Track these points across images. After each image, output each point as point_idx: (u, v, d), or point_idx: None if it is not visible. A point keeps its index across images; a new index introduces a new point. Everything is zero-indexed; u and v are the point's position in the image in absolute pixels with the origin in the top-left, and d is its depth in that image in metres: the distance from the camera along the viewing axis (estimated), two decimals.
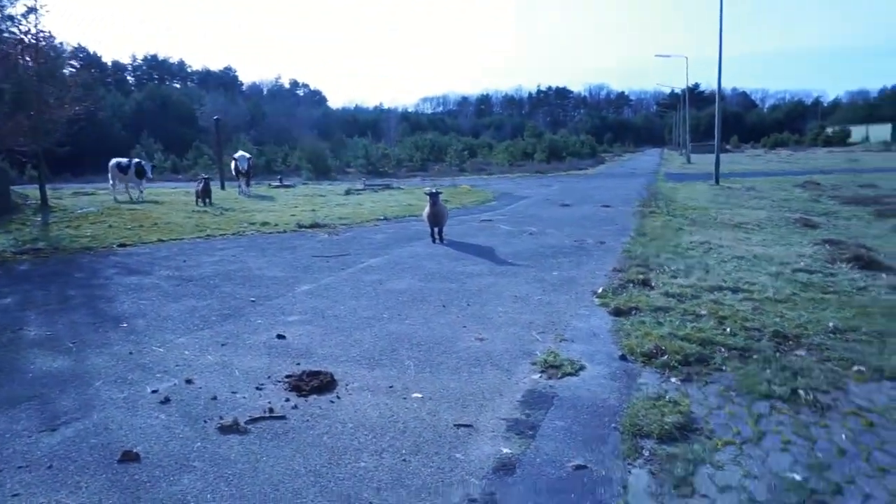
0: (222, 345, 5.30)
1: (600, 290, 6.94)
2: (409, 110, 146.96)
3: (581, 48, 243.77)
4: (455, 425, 3.77)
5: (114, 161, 18.88)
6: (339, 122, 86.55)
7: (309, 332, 5.64)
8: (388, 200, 18.62)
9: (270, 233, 12.05)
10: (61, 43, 13.33)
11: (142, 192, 18.84)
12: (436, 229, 10.56)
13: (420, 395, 4.21)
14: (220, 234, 11.79)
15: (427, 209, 10.42)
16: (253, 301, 6.75)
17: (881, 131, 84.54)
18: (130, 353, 5.14)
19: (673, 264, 8.25)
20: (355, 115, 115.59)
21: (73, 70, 14.97)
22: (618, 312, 6.08)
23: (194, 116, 63.57)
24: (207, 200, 17.21)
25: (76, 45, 15.98)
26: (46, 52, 13.56)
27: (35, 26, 13.07)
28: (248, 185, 20.60)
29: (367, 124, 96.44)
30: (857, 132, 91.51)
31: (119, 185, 18.75)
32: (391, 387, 4.37)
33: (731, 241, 10.23)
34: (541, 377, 4.52)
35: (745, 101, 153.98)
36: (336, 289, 7.30)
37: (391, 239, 11.14)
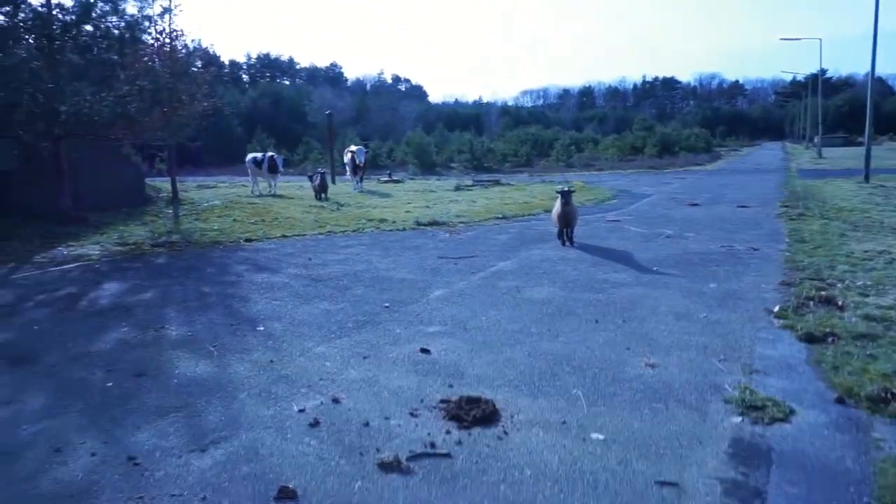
0: (364, 357, 4.91)
1: (777, 309, 5.98)
2: (509, 104, 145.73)
3: (689, 35, 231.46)
4: (657, 482, 3.10)
5: (250, 156, 19.61)
6: (441, 117, 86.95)
7: (454, 346, 5.14)
8: (500, 197, 18.04)
9: (390, 230, 11.80)
10: (193, 41, 13.72)
11: (272, 186, 19.09)
12: (566, 231, 9.83)
13: (601, 437, 3.58)
14: (341, 231, 11.68)
15: (557, 208, 9.72)
16: (387, 307, 6.37)
17: None
18: (271, 361, 4.86)
19: (855, 278, 7.09)
20: (456, 110, 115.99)
21: (201, 68, 15.39)
22: (810, 339, 5.14)
23: (303, 112, 65.96)
24: (323, 195, 17.38)
25: (198, 45, 16.38)
26: (179, 51, 14.04)
27: (169, 25, 13.56)
28: (361, 179, 20.69)
29: (468, 118, 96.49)
30: None
31: (256, 180, 19.28)
32: (564, 422, 3.76)
33: None
34: (743, 421, 3.75)
35: (880, 87, 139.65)
36: (471, 296, 6.79)
37: (515, 240, 10.53)
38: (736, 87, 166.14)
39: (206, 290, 7.24)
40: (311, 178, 18.32)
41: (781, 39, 58.25)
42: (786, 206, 14.51)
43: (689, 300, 6.46)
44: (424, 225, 12.27)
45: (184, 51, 14.40)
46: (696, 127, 72.29)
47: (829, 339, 5.11)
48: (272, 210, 15.11)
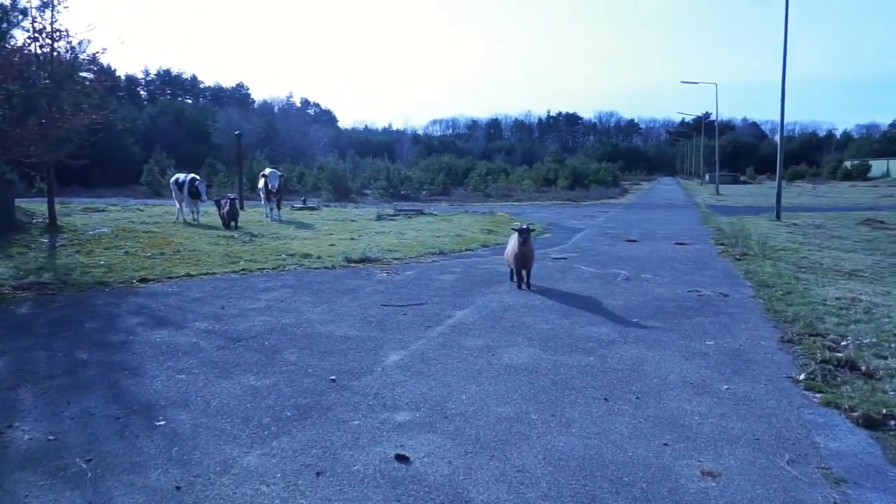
0: (317, 474, 3.44)
1: (802, 378, 5.08)
2: (419, 132, 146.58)
3: (590, 74, 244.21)
4: None
5: (173, 178, 17.35)
6: (352, 142, 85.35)
7: (439, 447, 3.78)
8: (428, 229, 16.83)
9: (317, 268, 10.22)
10: (80, 43, 11.65)
11: (195, 213, 16.75)
12: (523, 272, 8.73)
13: None
14: (259, 269, 9.96)
15: (513, 248, 8.60)
16: (334, 380, 4.90)
17: None
18: (178, 487, 3.28)
19: (858, 334, 6.40)
20: (367, 136, 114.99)
21: (91, 76, 13.18)
22: (869, 423, 4.22)
23: (207, 132, 62.29)
24: (233, 224, 15.45)
25: (90, 56, 13.93)
26: (62, 54, 11.91)
27: (51, 24, 11.44)
28: (278, 206, 18.81)
29: (379, 145, 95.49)
30: (876, 166, 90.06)
31: (180, 205, 17.10)
32: None
33: (875, 297, 8.41)
34: None
35: (756, 131, 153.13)
36: (437, 361, 5.45)
37: (464, 281, 9.30)
38: (632, 125, 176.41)
39: (83, 357, 5.42)
40: (218, 205, 16.32)
41: (682, 82, 61.34)
42: (722, 244, 14.27)
43: (694, 365, 5.45)
44: (355, 262, 10.78)
45: (68, 54, 12.25)
46: (597, 161, 74.89)
47: (892, 423, 4.21)
48: (173, 240, 13.07)
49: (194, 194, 16.18)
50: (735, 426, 4.15)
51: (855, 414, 4.35)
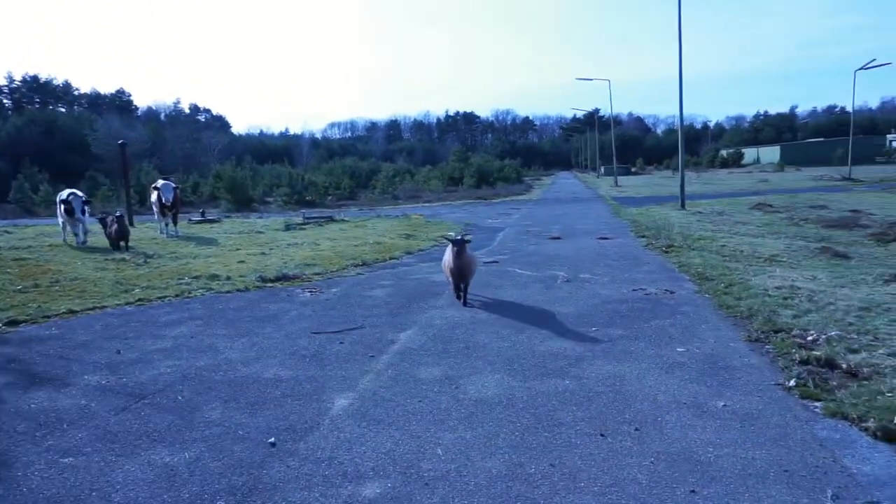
0: None
1: (793, 385, 4.70)
2: (317, 136, 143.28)
3: (487, 74, 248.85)
4: None
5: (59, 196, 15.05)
6: (248, 148, 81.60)
7: None
8: (344, 237, 15.79)
9: (228, 291, 8.99)
10: None
11: (78, 234, 14.45)
12: (461, 286, 7.98)
13: None
14: (158, 298, 8.59)
15: (448, 260, 7.82)
16: (273, 444, 3.93)
17: (770, 153, 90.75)
18: None
19: (811, 325, 6.20)
20: (263, 141, 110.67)
21: None
22: (888, 436, 3.83)
23: (86, 143, 57.11)
24: (123, 244, 13.68)
25: None
26: None
27: None
28: (174, 221, 16.98)
29: (277, 150, 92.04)
30: (748, 154, 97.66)
31: (65, 226, 14.97)
32: None
33: (808, 283, 8.44)
34: None
35: (640, 125, 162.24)
36: (394, 402, 4.60)
37: (397, 296, 8.45)
38: (527, 122, 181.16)
39: None
40: (104, 223, 14.41)
41: (578, 79, 63.10)
42: (643, 237, 14.28)
43: (677, 378, 4.94)
44: (271, 281, 9.64)
45: None
46: (496, 158, 75.77)
47: None
48: (50, 267, 11.27)
49: (70, 212, 14.19)
50: (755, 456, 3.62)
51: (868, 425, 3.96)
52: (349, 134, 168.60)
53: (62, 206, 14.36)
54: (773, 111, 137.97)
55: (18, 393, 4.97)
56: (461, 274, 7.80)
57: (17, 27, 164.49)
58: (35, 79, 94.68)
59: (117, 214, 14.06)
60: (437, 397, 4.67)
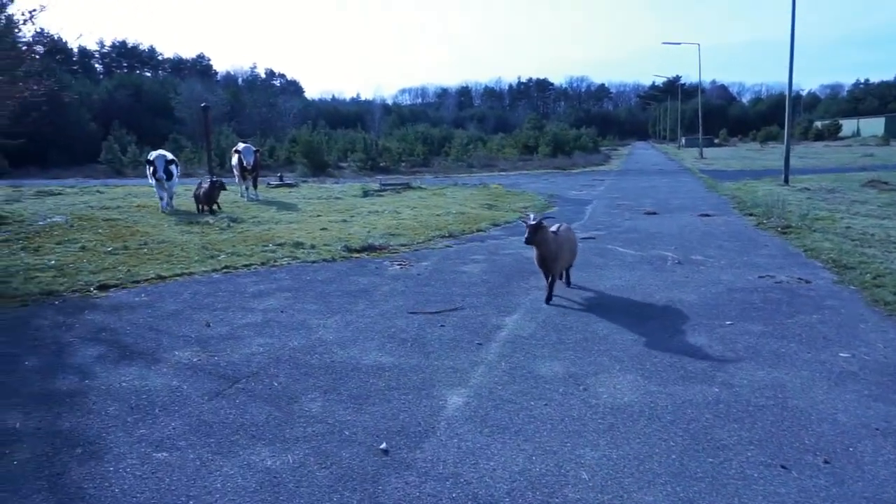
0: None
1: None
2: (388, 102, 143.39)
3: (560, 39, 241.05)
4: None
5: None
6: (321, 113, 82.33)
7: None
8: (425, 205, 15.23)
9: (314, 261, 8.60)
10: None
11: (163, 199, 14.00)
12: (548, 276, 6.49)
13: None
14: (244, 265, 8.30)
15: (534, 251, 6.37)
16: (386, 451, 3.40)
17: (872, 125, 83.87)
18: None
19: None
20: (336, 107, 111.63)
21: (28, 38, 11.03)
22: None
23: (169, 106, 58.92)
24: (207, 208, 13.64)
25: (25, 13, 11.44)
26: None
27: None
28: (255, 185, 16.93)
29: (349, 116, 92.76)
30: (846, 125, 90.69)
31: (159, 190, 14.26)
32: None
33: None
34: None
35: (724, 94, 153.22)
36: (516, 404, 3.98)
37: (494, 274, 7.81)
38: (602, 90, 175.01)
39: (15, 426, 3.79)
40: (199, 187, 14.11)
41: (664, 43, 60.19)
42: (751, 215, 13.03)
43: (852, 393, 4.09)
44: (357, 251, 9.19)
45: None
46: (570, 127, 73.04)
47: None
48: (137, 229, 11.29)
49: (154, 172, 13.66)
50: None
51: None
52: (420, 100, 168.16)
53: (149, 168, 13.92)
54: (875, 79, 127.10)
55: (109, 368, 4.66)
56: (544, 263, 6.33)
57: None
58: (123, 44, 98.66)
59: (212, 179, 13.98)
60: (565, 401, 4.02)
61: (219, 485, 3.06)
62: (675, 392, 4.14)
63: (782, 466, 3.22)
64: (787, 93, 21.70)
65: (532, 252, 6.51)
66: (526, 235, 6.06)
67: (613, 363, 4.67)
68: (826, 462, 3.26)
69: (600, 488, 3.03)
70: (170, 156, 14.24)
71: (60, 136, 41.83)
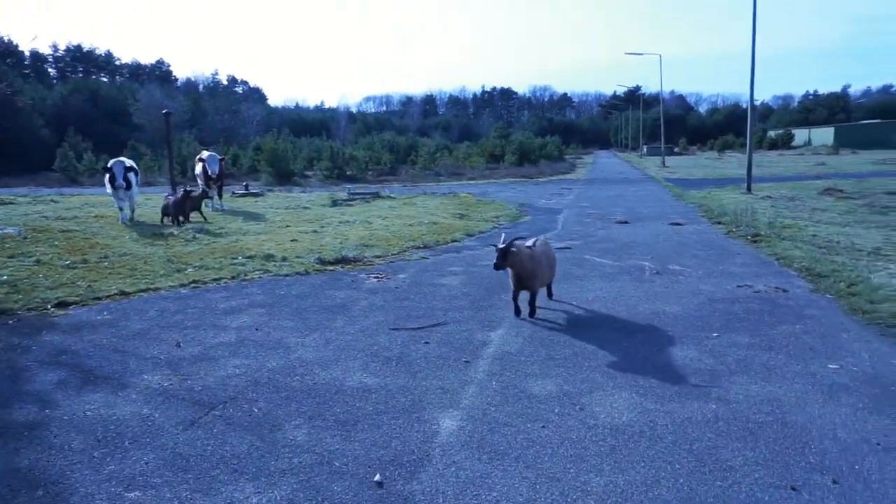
0: None
1: None
2: (353, 110, 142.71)
3: (524, 49, 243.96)
4: None
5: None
6: (285, 121, 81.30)
7: None
8: (396, 215, 15.02)
9: (286, 274, 8.30)
10: None
11: (123, 211, 13.25)
12: (526, 294, 6.23)
13: None
14: (213, 280, 7.95)
15: (510, 271, 6.06)
16: (380, 484, 3.18)
17: (822, 135, 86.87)
18: None
19: None
20: (300, 114, 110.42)
21: None
22: None
23: (127, 112, 57.29)
24: (181, 219, 13.15)
25: None
26: None
27: None
28: (219, 194, 16.43)
29: (314, 124, 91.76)
30: (798, 135, 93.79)
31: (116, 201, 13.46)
32: None
33: None
34: None
35: (682, 103, 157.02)
36: (512, 427, 3.81)
37: (473, 286, 7.65)
38: (565, 99, 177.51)
39: None
40: (186, 195, 13.46)
41: (626, 53, 61.60)
42: (719, 223, 13.22)
43: (846, 406, 4.06)
44: (331, 263, 8.93)
45: None
46: (533, 135, 73.56)
47: None
48: (96, 241, 10.78)
49: (111, 180, 12.92)
50: None
51: None
52: (384, 108, 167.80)
53: (106, 176, 13.13)
54: (823, 90, 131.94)
55: (72, 395, 4.33)
56: (521, 282, 6.07)
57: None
58: (78, 48, 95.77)
59: (187, 189, 13.52)
60: (563, 422, 3.87)
61: None
62: (673, 410, 4.03)
63: (792, 488, 3.12)
64: (748, 103, 22.23)
65: (490, 258, 6.32)
66: (495, 261, 5.75)
67: (606, 380, 4.55)
68: (835, 482, 3.17)
69: None
70: (129, 162, 13.65)
71: (11, 143, 40.27)
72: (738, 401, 4.17)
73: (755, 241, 10.76)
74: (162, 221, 13.23)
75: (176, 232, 11.85)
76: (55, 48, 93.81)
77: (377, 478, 3.22)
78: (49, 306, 6.67)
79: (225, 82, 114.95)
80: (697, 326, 5.86)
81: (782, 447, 3.54)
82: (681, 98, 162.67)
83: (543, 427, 3.80)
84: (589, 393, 4.32)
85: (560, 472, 3.29)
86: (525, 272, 5.98)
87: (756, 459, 3.41)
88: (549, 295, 6.96)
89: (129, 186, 13.28)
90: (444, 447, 3.56)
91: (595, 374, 4.65)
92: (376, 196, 20.98)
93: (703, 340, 5.44)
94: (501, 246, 5.79)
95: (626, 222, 13.80)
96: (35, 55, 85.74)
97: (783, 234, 11.58)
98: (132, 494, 3.07)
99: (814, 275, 7.95)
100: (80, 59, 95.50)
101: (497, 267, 5.78)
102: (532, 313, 6.23)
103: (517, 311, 6.27)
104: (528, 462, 3.39)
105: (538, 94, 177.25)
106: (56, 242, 10.62)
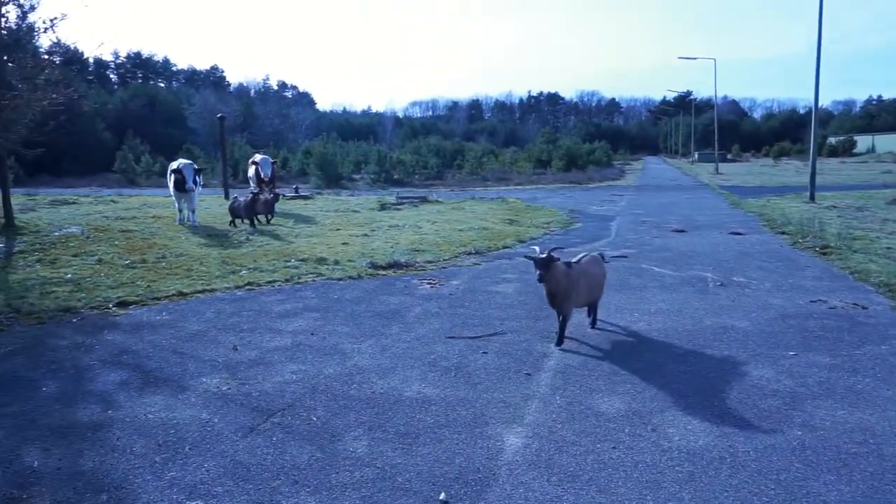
0: None
1: None
2: (399, 115, 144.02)
3: (571, 54, 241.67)
4: None
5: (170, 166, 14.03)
6: (333, 125, 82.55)
7: None
8: (445, 220, 14.91)
9: (339, 278, 8.28)
10: (31, 7, 9.41)
11: (183, 212, 13.56)
12: (559, 316, 5.59)
13: None
14: (268, 282, 7.99)
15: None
16: None
17: (887, 142, 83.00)
18: None
19: None
20: (348, 119, 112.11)
21: (47, 47, 10.85)
22: None
23: (183, 116, 59.19)
24: (259, 220, 13.37)
25: (55, 41, 11.21)
26: (9, 20, 9.70)
27: None
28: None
29: (361, 128, 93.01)
30: (861, 142, 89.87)
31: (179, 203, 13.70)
32: None
33: None
34: None
35: (736, 109, 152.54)
36: (581, 446, 3.61)
37: (529, 295, 7.44)
38: (613, 105, 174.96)
39: (33, 464, 3.46)
40: (254, 199, 13.60)
41: (679, 58, 59.54)
42: (784, 234, 12.62)
43: None
44: (383, 268, 8.87)
45: (18, 20, 10.02)
46: (581, 141, 72.30)
47: None
48: (155, 241, 11.03)
49: (180, 185, 13.14)
50: None
51: None
52: (430, 113, 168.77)
53: (172, 177, 13.37)
54: (888, 95, 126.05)
55: (133, 396, 4.33)
56: (553, 300, 5.42)
57: (121, 4, 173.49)
58: (138, 55, 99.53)
59: (259, 192, 13.85)
60: (635, 443, 3.65)
61: None
62: (754, 435, 3.76)
63: None
64: (806, 108, 21.51)
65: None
66: (538, 272, 5.11)
67: (678, 399, 4.30)
68: None
69: None
70: (195, 165, 13.99)
71: (75, 145, 41.96)
72: (826, 428, 3.86)
73: (825, 254, 10.22)
74: (231, 224, 13.35)
75: (230, 234, 12.03)
76: (116, 55, 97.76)
77: (442, 496, 3.08)
78: (111, 305, 6.80)
79: (275, 87, 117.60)
80: (771, 344, 5.52)
81: (881, 483, 3.24)
82: (734, 103, 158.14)
83: (614, 448, 3.59)
84: (660, 412, 4.08)
85: (636, 498, 3.08)
86: (559, 289, 5.26)
87: (853, 495, 3.12)
88: (593, 323, 6.03)
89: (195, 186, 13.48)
90: (511, 465, 3.39)
91: (665, 393, 4.41)
92: (424, 200, 20.96)
93: (778, 360, 5.11)
94: (542, 255, 5.17)
95: (682, 231, 13.34)
96: (98, 62, 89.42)
97: (854, 247, 10.97)
98: (194, 503, 3.01)
99: (894, 291, 7.45)
100: (139, 66, 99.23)
101: (542, 278, 5.12)
102: (559, 341, 5.46)
103: (560, 339, 5.51)
104: (600, 486, 3.19)
105: (585, 99, 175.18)
106: (116, 242, 10.90)
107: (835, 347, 5.41)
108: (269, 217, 13.69)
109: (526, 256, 5.41)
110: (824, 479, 3.28)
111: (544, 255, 5.16)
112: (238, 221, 13.45)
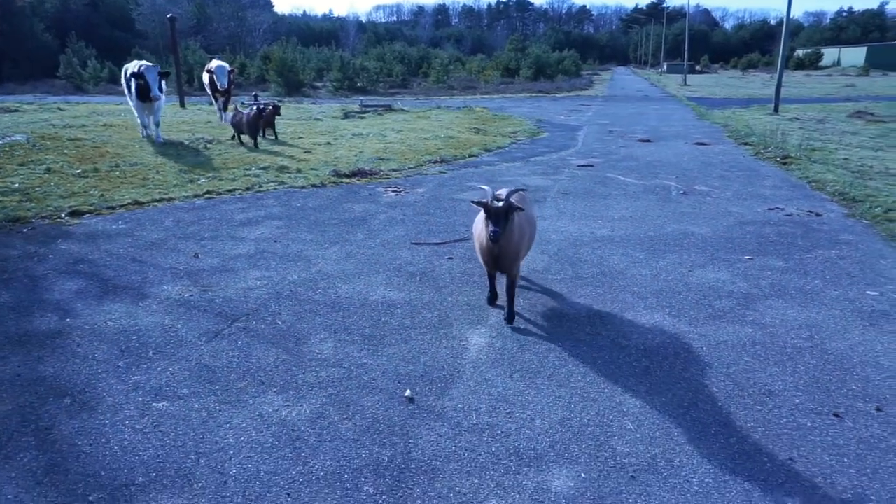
0: None
1: None
2: (362, 19, 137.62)
3: None
4: None
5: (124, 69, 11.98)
6: (292, 30, 78.49)
7: None
8: (411, 129, 14.58)
9: (302, 186, 8.10)
10: None
11: (148, 127, 11.82)
12: (501, 278, 4.31)
13: None
14: (228, 191, 7.77)
15: (479, 232, 3.98)
16: (411, 400, 3.12)
17: (854, 55, 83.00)
18: None
19: None
20: (308, 23, 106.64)
21: None
22: None
23: (130, 18, 55.35)
24: (265, 134, 12.24)
25: None
26: None
27: None
28: (225, 107, 15.93)
29: (322, 33, 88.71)
30: (827, 55, 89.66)
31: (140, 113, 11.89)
32: None
33: None
34: None
35: (708, 18, 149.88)
36: (542, 345, 3.71)
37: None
38: (584, 12, 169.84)
39: None
40: (259, 112, 11.62)
41: None
42: (746, 144, 12.75)
43: (892, 335, 3.92)
44: (347, 176, 8.70)
45: None
46: (550, 49, 69.91)
47: None
48: (107, 149, 10.55)
49: (143, 93, 10.98)
50: None
51: None
52: (394, 18, 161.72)
53: (133, 83, 11.16)
54: (858, 7, 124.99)
55: (92, 304, 4.25)
56: (498, 261, 3.90)
57: None
58: None
59: (265, 103, 12.27)
60: (594, 341, 3.77)
61: (231, 439, 2.76)
62: (707, 333, 3.92)
63: (835, 415, 3.03)
64: (777, 19, 21.03)
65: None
66: (492, 229, 3.55)
67: (636, 300, 4.42)
68: (878, 410, 3.08)
69: (649, 441, 2.80)
70: (160, 68, 11.56)
71: (13, 49, 39.19)
72: (775, 325, 4.04)
73: (785, 164, 10.39)
74: (234, 139, 12.06)
75: (186, 141, 11.55)
76: None
77: (408, 393, 3.15)
78: (63, 215, 6.55)
79: None
80: (729, 249, 5.67)
81: (823, 373, 3.43)
82: (706, 12, 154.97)
83: (575, 346, 3.70)
84: (619, 313, 4.20)
85: (594, 392, 3.21)
86: (509, 248, 3.80)
87: (796, 385, 3.30)
88: (508, 316, 4.07)
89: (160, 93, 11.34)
90: (475, 363, 3.48)
91: (625, 294, 4.52)
92: (389, 109, 20.40)
93: (735, 263, 5.27)
94: (499, 204, 3.61)
95: (648, 141, 13.34)
96: None
97: (814, 157, 11.17)
98: (160, 405, 3.02)
99: (847, 199, 7.67)
100: None
101: (498, 237, 3.57)
102: (510, 318, 4.01)
103: (492, 297, 4.31)
104: (560, 381, 3.31)
105: (556, 5, 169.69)
106: (65, 151, 10.39)
107: (788, 252, 5.59)
108: (275, 133, 12.53)
109: (474, 202, 3.74)
110: (770, 371, 3.46)
111: (501, 204, 3.60)
112: (245, 138, 11.92)
